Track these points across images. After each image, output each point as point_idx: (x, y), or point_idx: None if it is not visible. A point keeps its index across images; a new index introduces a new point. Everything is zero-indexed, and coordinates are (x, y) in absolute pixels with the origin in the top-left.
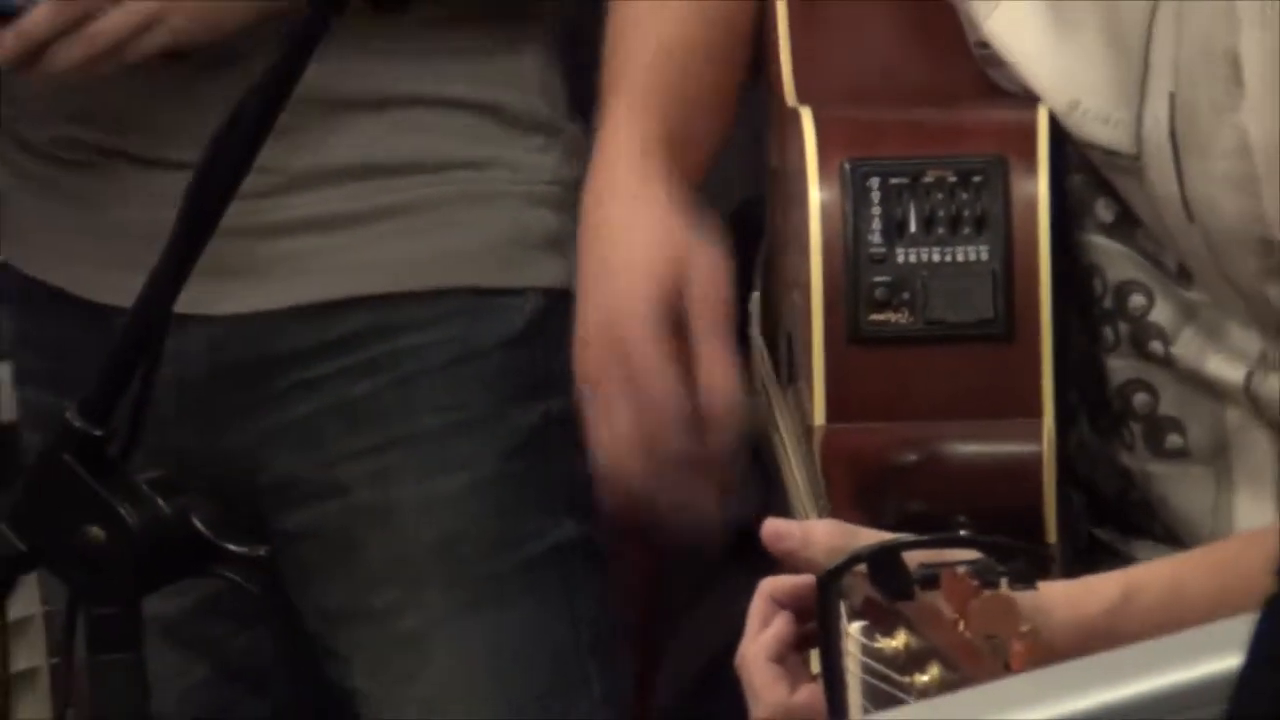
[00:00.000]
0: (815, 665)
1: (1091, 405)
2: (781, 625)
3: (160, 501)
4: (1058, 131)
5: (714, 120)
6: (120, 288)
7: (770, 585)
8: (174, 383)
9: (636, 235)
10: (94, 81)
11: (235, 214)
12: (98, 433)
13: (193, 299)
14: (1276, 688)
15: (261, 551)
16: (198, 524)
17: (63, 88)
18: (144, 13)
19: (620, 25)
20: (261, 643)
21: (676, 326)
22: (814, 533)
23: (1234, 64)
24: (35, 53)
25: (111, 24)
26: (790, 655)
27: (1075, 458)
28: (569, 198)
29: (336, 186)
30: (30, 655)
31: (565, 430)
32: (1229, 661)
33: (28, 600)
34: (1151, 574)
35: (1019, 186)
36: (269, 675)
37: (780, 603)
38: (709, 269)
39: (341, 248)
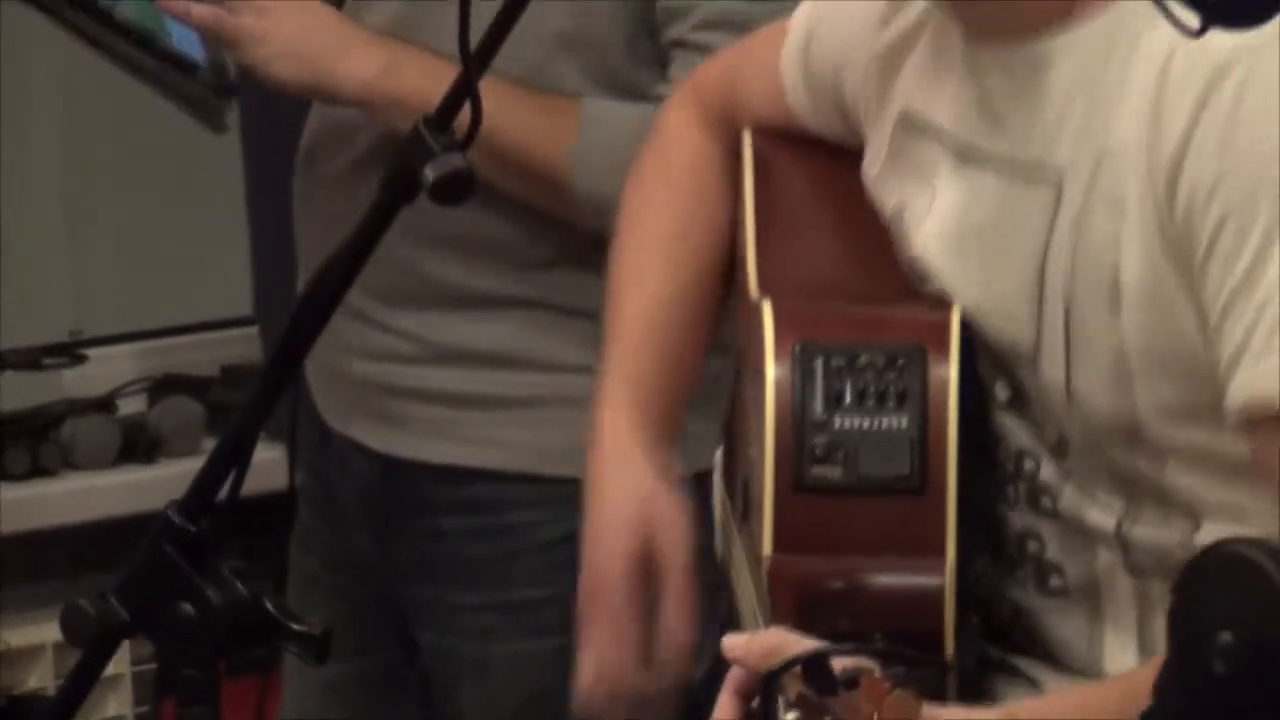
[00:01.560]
0: None
1: (994, 548)
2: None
3: (239, 586)
4: (968, 327)
5: (690, 376)
6: (339, 417)
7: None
8: (356, 494)
9: (620, 498)
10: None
11: (391, 375)
12: (192, 528)
13: (367, 432)
14: None
15: (317, 631)
16: (269, 605)
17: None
18: (233, 28)
19: (617, 279)
20: (400, 715)
21: (648, 571)
22: (756, 644)
23: (1115, 283)
24: None
25: (201, 12)
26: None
27: (977, 589)
28: None
29: (471, 369)
30: (119, 705)
31: None
32: None
33: (119, 660)
34: (1027, 705)
35: (934, 371)
36: None
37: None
38: (675, 529)
39: (470, 423)
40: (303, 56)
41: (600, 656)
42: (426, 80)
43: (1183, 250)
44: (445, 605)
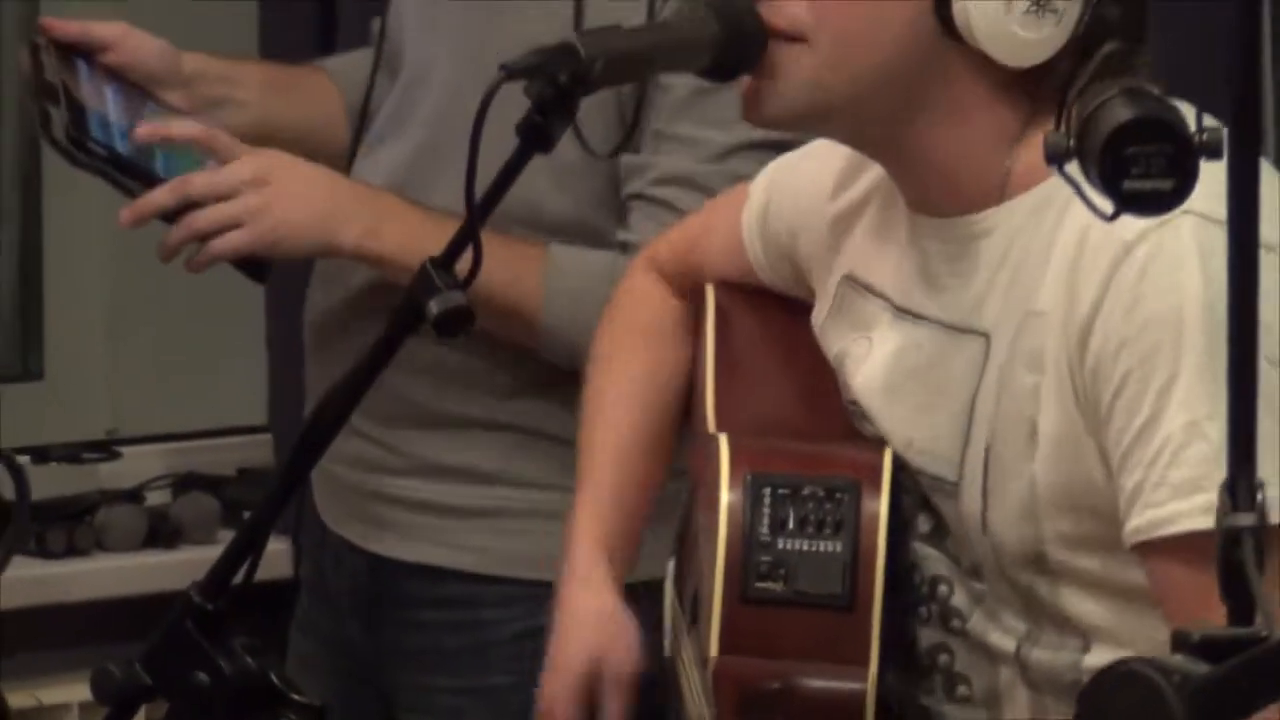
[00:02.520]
0: None
1: (906, 660)
2: None
3: (249, 659)
4: (898, 467)
5: (650, 498)
6: (334, 518)
7: None
8: (347, 587)
9: (580, 620)
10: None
11: (380, 484)
12: (210, 607)
13: (357, 533)
14: None
15: (317, 703)
16: (274, 678)
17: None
18: (238, 210)
19: (590, 418)
20: None
21: (593, 688)
22: None
23: (1033, 428)
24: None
25: (206, 216)
26: None
27: (889, 696)
28: None
29: (449, 483)
30: None
31: None
32: None
33: None
34: None
35: (867, 505)
36: None
37: None
38: (623, 654)
39: (447, 530)
40: (302, 225)
41: None
42: (407, 241)
43: (1091, 402)
44: (423, 688)
